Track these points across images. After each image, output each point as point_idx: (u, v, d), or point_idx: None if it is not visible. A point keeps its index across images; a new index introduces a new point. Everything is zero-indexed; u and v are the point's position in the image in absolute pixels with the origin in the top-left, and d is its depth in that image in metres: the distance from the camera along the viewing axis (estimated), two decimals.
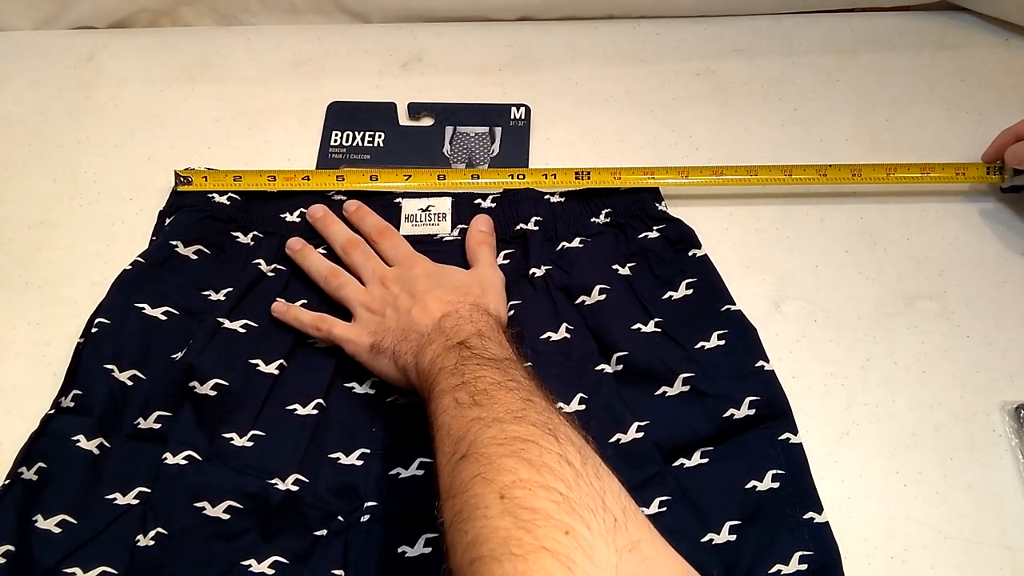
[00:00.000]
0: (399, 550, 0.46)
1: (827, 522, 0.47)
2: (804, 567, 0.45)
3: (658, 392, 0.51)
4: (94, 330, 0.52)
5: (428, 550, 0.46)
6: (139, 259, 0.55)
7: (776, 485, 0.47)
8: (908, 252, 0.59)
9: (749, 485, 0.47)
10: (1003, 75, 0.68)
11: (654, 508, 0.47)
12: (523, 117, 0.65)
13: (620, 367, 0.52)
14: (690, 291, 0.54)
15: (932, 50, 0.69)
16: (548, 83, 0.67)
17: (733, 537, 0.46)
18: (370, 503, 0.48)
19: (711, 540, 0.46)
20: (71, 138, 0.65)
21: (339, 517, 0.47)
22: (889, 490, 0.50)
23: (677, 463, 0.49)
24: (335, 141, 0.64)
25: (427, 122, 0.65)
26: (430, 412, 0.43)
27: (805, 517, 0.47)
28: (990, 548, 0.48)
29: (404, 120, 0.66)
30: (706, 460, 0.49)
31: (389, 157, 0.63)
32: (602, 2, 0.70)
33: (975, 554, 0.48)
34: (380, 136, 0.64)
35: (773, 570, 0.45)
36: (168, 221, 0.58)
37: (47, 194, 0.62)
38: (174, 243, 0.56)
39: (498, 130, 0.65)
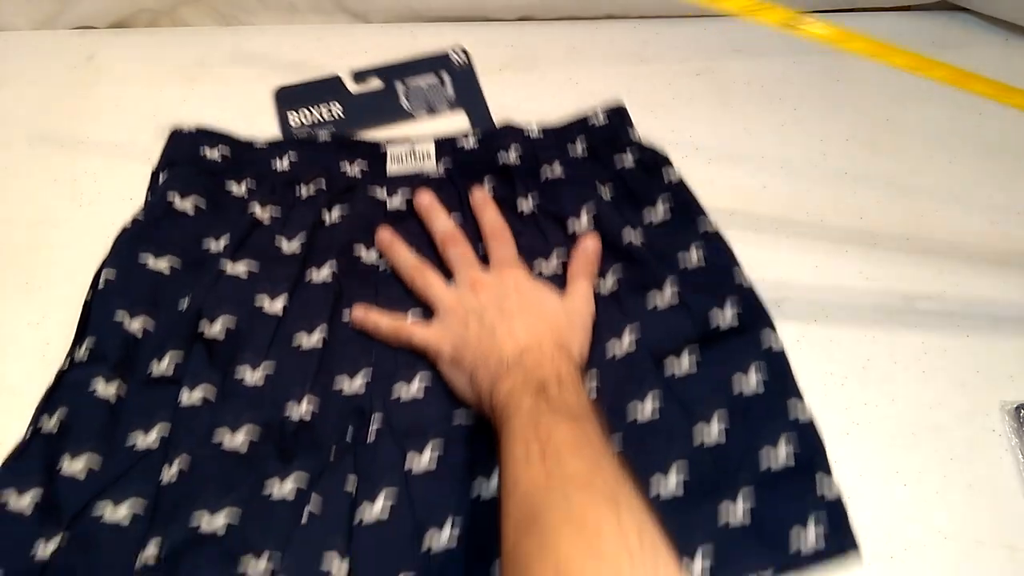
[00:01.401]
0: (406, 466, 0.48)
1: (811, 418, 0.49)
2: (792, 461, 0.47)
3: (648, 303, 0.53)
4: (101, 284, 0.53)
5: (433, 468, 0.48)
6: (138, 216, 0.56)
7: (761, 388, 0.50)
8: (908, 252, 0.59)
9: (736, 389, 0.50)
10: (1003, 75, 0.68)
11: (647, 415, 0.49)
12: (464, 60, 0.68)
13: (615, 283, 0.54)
14: (668, 212, 0.57)
15: (932, 50, 0.69)
16: (548, 83, 0.67)
17: (723, 438, 0.48)
18: (376, 423, 0.50)
19: (702, 442, 0.48)
20: (71, 138, 0.65)
21: (348, 437, 0.49)
22: (889, 490, 0.50)
23: (668, 372, 0.51)
24: (294, 122, 0.65)
25: (376, 84, 0.67)
26: (500, 451, 0.43)
27: (790, 415, 0.49)
28: (990, 548, 0.48)
29: (353, 88, 0.67)
30: (695, 367, 0.51)
31: (352, 122, 0.65)
32: (602, 2, 0.70)
33: (975, 554, 0.48)
34: (336, 106, 0.66)
35: (764, 465, 0.47)
36: (162, 177, 0.59)
37: (47, 194, 0.62)
38: (170, 198, 0.57)
39: (446, 75, 0.67)
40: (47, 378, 0.53)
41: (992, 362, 0.54)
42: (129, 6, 0.70)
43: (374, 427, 0.50)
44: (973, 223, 0.60)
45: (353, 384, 0.51)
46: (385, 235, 0.56)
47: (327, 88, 0.67)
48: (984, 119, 0.64)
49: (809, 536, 0.45)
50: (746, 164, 0.59)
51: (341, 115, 0.65)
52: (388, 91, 0.67)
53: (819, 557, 0.45)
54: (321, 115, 0.65)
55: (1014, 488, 0.50)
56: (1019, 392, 0.53)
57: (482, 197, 0.57)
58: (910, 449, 0.51)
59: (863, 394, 0.53)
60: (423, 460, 0.48)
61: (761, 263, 0.58)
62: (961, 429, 0.52)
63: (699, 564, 0.44)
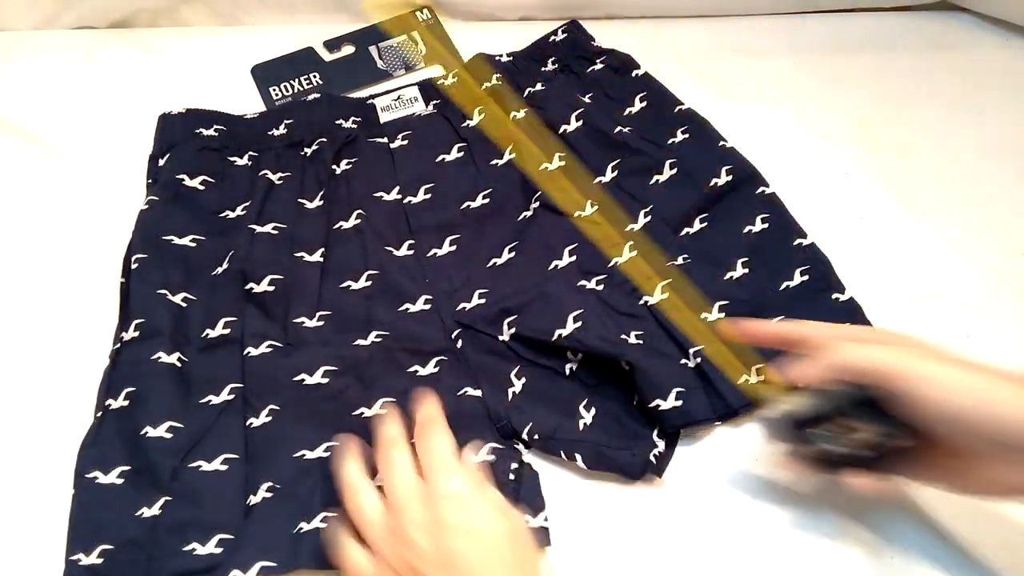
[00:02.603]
0: (498, 339, 0.53)
1: (813, 242, 0.56)
2: (806, 278, 0.55)
3: (652, 181, 0.59)
4: (135, 265, 0.54)
5: (513, 330, 0.53)
6: (153, 197, 0.57)
7: (766, 226, 0.57)
8: (908, 251, 0.59)
9: (746, 231, 0.57)
10: (1003, 75, 0.68)
11: (679, 261, 0.56)
12: (431, 17, 0.71)
13: (616, 173, 0.59)
14: (644, 103, 0.63)
15: (932, 50, 0.69)
16: None
17: (746, 271, 0.55)
18: (456, 330, 0.53)
19: (731, 277, 0.55)
20: (71, 138, 0.65)
21: (443, 355, 0.52)
22: (889, 490, 0.50)
23: (683, 232, 0.57)
24: (277, 95, 0.66)
25: (348, 50, 0.69)
26: None
27: (795, 243, 0.56)
28: (990, 548, 0.48)
29: (327, 56, 0.69)
30: (705, 224, 0.57)
31: (334, 88, 0.67)
32: (602, 2, 0.70)
33: (975, 554, 0.48)
34: (315, 76, 0.68)
35: (783, 287, 0.54)
36: (164, 160, 0.59)
37: (47, 194, 0.62)
38: (180, 177, 0.58)
39: (416, 34, 0.69)
40: (48, 381, 0.53)
41: (991, 362, 0.54)
42: (129, 6, 0.70)
43: (455, 336, 0.53)
44: (973, 223, 0.60)
45: (416, 305, 0.55)
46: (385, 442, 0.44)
47: (302, 59, 0.69)
48: (984, 119, 0.64)
49: None
50: None
51: (320, 83, 0.67)
52: (362, 55, 0.69)
53: None
54: (301, 86, 0.67)
55: None
56: None
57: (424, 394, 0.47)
58: None
59: None
60: (504, 331, 0.53)
61: None
62: None
63: (754, 378, 0.51)
